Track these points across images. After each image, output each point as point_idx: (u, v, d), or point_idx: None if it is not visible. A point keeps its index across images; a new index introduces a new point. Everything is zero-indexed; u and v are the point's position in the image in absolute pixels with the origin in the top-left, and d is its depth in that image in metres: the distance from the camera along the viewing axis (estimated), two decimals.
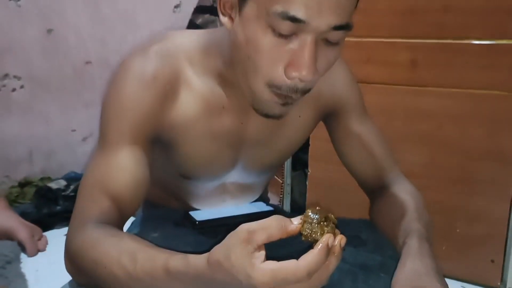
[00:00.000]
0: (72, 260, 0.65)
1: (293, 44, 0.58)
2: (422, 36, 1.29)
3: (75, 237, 0.65)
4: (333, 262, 0.48)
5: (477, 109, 1.24)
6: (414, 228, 0.71)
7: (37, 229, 1.32)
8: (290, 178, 1.66)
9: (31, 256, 1.23)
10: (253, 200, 0.94)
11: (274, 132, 0.79)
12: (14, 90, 1.68)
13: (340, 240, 0.48)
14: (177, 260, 0.53)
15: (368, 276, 0.70)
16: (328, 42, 0.60)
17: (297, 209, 1.65)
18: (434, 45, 1.27)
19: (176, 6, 1.87)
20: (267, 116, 0.67)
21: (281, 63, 0.60)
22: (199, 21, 1.71)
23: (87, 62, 1.81)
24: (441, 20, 1.25)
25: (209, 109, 0.73)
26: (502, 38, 1.20)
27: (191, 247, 0.69)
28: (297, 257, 0.47)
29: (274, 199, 1.65)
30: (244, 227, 0.48)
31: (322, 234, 0.48)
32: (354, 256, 0.73)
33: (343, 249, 0.48)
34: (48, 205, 1.49)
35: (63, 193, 1.52)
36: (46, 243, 1.30)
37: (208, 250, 0.51)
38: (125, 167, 0.67)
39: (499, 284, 1.28)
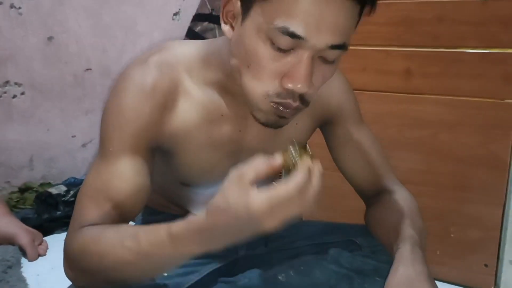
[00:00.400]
0: (73, 262, 0.65)
1: (291, 58, 0.60)
2: (417, 45, 1.30)
3: (74, 240, 0.65)
4: (315, 182, 0.52)
5: (470, 117, 1.25)
6: (407, 235, 0.72)
7: (38, 234, 1.32)
8: None
9: (32, 261, 1.23)
10: None
11: (272, 140, 0.80)
12: (15, 96, 1.68)
13: (317, 163, 0.53)
14: (178, 223, 0.56)
15: (363, 280, 0.72)
16: (325, 60, 0.62)
17: None
18: (428, 54, 1.29)
19: (175, 14, 1.88)
20: (265, 125, 0.68)
21: (278, 75, 0.61)
22: (198, 28, 1.71)
23: (88, 70, 1.81)
24: (436, 29, 1.27)
25: (208, 117, 0.74)
26: (495, 47, 1.21)
27: None
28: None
29: None
30: (233, 171, 0.53)
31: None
32: (350, 261, 0.75)
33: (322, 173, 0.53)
34: (49, 210, 1.49)
35: (63, 199, 1.51)
36: (47, 247, 1.30)
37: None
38: (126, 177, 0.67)
39: None
